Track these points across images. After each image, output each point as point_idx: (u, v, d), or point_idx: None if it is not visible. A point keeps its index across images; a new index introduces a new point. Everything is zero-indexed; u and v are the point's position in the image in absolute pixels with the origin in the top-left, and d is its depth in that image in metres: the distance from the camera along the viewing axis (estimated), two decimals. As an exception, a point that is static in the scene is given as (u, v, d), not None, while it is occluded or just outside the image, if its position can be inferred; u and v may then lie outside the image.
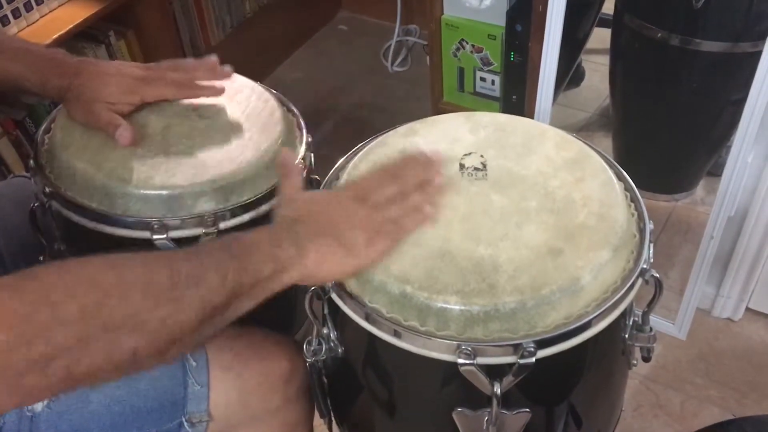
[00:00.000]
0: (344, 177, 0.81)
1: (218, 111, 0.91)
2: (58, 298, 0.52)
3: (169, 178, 0.82)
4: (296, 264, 0.64)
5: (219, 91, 0.90)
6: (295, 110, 0.96)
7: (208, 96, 0.90)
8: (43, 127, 0.91)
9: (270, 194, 0.85)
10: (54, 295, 0.52)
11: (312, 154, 0.93)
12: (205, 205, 0.82)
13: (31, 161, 0.87)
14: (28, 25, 1.51)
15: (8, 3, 1.46)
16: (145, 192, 0.81)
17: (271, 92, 0.96)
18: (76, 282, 0.54)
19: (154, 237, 0.80)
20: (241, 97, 0.94)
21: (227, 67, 0.92)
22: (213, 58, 0.92)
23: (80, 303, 0.52)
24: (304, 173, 0.89)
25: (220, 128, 0.89)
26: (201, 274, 0.58)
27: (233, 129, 0.89)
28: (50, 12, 1.54)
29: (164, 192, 0.81)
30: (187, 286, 0.57)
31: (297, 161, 0.84)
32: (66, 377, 0.52)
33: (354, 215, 0.68)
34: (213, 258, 0.61)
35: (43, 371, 0.50)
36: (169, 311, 0.56)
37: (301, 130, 0.94)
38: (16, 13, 1.48)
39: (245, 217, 0.84)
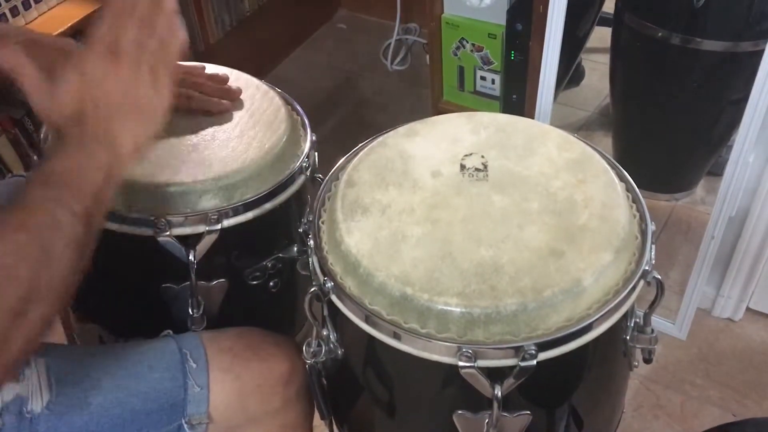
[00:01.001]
0: (344, 177, 0.80)
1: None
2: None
3: (173, 176, 0.82)
4: (117, 155, 0.64)
5: (227, 107, 0.91)
6: (300, 109, 0.95)
7: (216, 111, 0.90)
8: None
9: (273, 192, 0.85)
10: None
11: (316, 153, 0.92)
12: (209, 203, 0.82)
13: (35, 157, 0.87)
14: (26, 23, 1.50)
15: (6, 1, 1.45)
16: (148, 189, 0.81)
17: (275, 91, 0.96)
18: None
19: (158, 234, 0.80)
20: (246, 95, 0.94)
21: (237, 87, 0.94)
22: (224, 75, 0.94)
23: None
24: (302, 179, 0.89)
25: (225, 126, 0.89)
26: (53, 220, 0.59)
27: (238, 127, 0.89)
28: (48, 10, 1.54)
29: (168, 189, 0.81)
30: (50, 242, 0.58)
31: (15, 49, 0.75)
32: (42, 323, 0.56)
33: (122, 74, 0.65)
34: (50, 198, 0.60)
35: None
36: (51, 272, 0.58)
37: (305, 128, 0.93)
38: (14, 12, 1.47)
39: (248, 214, 0.84)
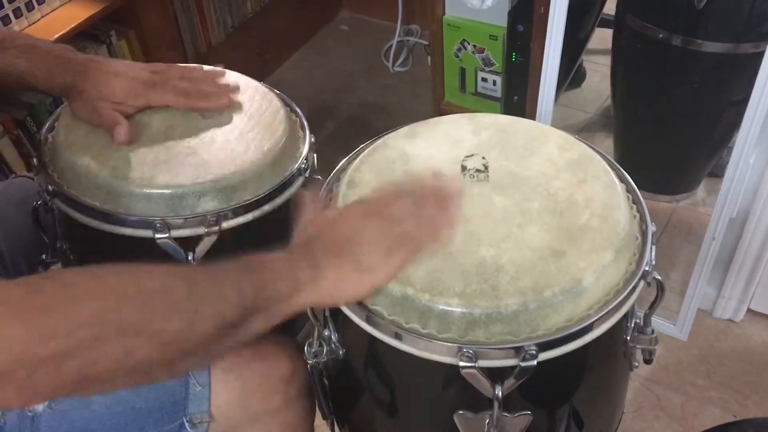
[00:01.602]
0: (345, 178, 0.80)
1: (222, 111, 0.91)
2: (76, 299, 0.52)
3: (172, 178, 0.82)
4: (313, 285, 0.64)
5: (225, 105, 0.91)
6: (299, 111, 0.96)
7: (214, 108, 0.90)
8: (47, 125, 0.91)
9: (272, 194, 0.85)
10: (72, 295, 0.52)
11: (315, 155, 0.92)
12: (208, 205, 0.82)
13: (35, 159, 0.87)
14: (29, 25, 1.50)
15: (9, 2, 1.46)
16: (147, 191, 0.81)
17: (274, 92, 0.96)
18: (94, 285, 0.54)
19: (157, 236, 0.80)
20: (245, 97, 0.94)
21: (232, 82, 0.93)
22: (220, 70, 0.94)
23: (97, 305, 0.52)
24: (301, 180, 0.89)
25: (224, 128, 0.89)
26: (218, 289, 0.58)
27: (237, 129, 0.89)
28: (52, 11, 1.54)
29: (167, 191, 0.81)
30: (204, 301, 0.57)
31: (320, 195, 0.81)
32: (77, 378, 0.51)
33: (368, 230, 0.67)
34: (231, 274, 0.60)
35: (56, 370, 0.50)
36: (184, 323, 0.55)
37: (304, 130, 0.94)
38: (17, 13, 1.48)
39: (248, 216, 0.84)
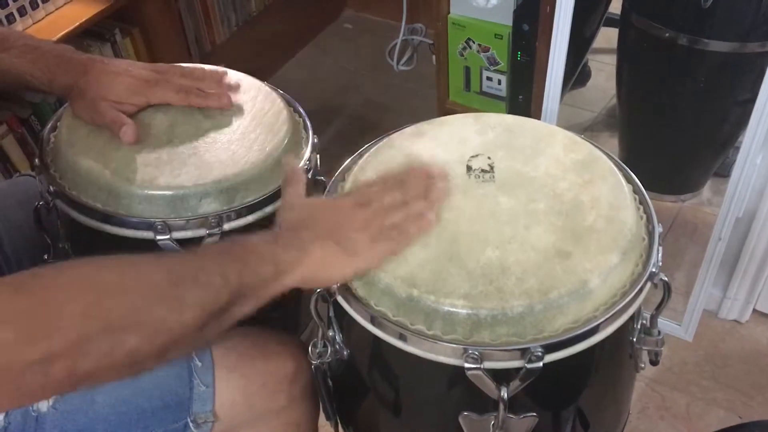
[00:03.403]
0: (350, 178, 0.80)
1: (224, 111, 0.91)
2: (61, 298, 0.52)
3: (173, 179, 0.82)
4: (297, 266, 0.64)
5: (225, 104, 0.91)
6: (302, 111, 0.95)
7: (214, 106, 0.90)
8: (49, 126, 0.91)
9: (274, 195, 0.85)
10: (56, 294, 0.52)
11: (318, 156, 0.92)
12: (210, 206, 0.82)
13: (36, 159, 0.87)
14: (33, 23, 1.50)
15: (14, 1, 1.46)
16: (149, 192, 0.81)
17: (277, 92, 0.96)
18: (77, 282, 0.54)
19: (158, 237, 0.80)
20: (248, 97, 0.94)
21: (233, 80, 0.93)
22: (222, 71, 0.93)
23: (81, 303, 0.52)
24: (308, 178, 0.89)
25: (226, 129, 0.89)
26: (201, 274, 0.58)
27: (239, 130, 0.89)
28: (56, 10, 1.54)
29: (168, 192, 0.81)
30: (187, 286, 0.57)
31: (301, 166, 0.83)
32: (66, 377, 0.51)
33: (356, 219, 0.68)
34: (214, 259, 0.61)
35: (45, 370, 0.50)
36: (168, 311, 0.55)
37: (307, 131, 0.93)
38: (22, 11, 1.48)
39: (249, 218, 0.84)
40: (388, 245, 0.68)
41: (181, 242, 0.81)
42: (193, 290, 0.57)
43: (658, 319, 0.77)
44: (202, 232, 0.81)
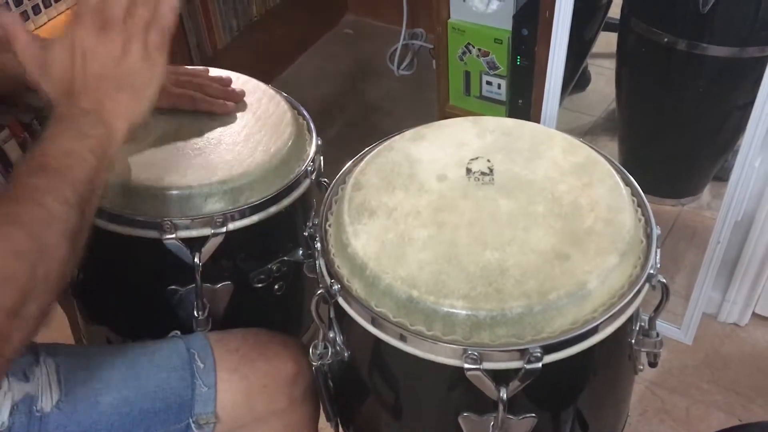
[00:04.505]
0: (351, 180, 0.81)
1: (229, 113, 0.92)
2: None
3: (179, 179, 0.83)
4: (111, 136, 0.64)
5: (230, 109, 0.92)
6: (306, 113, 0.96)
7: (218, 113, 0.91)
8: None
9: (279, 196, 0.86)
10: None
11: (321, 158, 0.93)
12: (215, 206, 0.83)
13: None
14: (36, 28, 1.51)
15: (17, 6, 1.47)
16: (155, 192, 0.82)
17: (282, 95, 0.97)
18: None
19: (164, 237, 0.81)
20: (252, 99, 0.95)
21: (240, 89, 0.94)
22: (227, 77, 0.95)
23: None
24: (307, 182, 0.89)
25: (231, 130, 0.90)
26: (47, 214, 0.59)
27: (244, 131, 0.90)
28: (59, 15, 1.55)
29: (174, 192, 0.82)
30: (43, 236, 0.58)
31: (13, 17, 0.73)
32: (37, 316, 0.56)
33: (111, 49, 0.65)
34: (41, 188, 0.60)
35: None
36: (46, 263, 0.58)
37: (311, 133, 0.94)
38: (25, 16, 1.49)
39: (254, 218, 0.84)
40: (159, 47, 0.66)
41: (187, 241, 0.82)
42: (49, 234, 0.58)
43: (658, 323, 0.78)
44: (207, 231, 0.82)
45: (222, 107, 0.91)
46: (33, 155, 0.62)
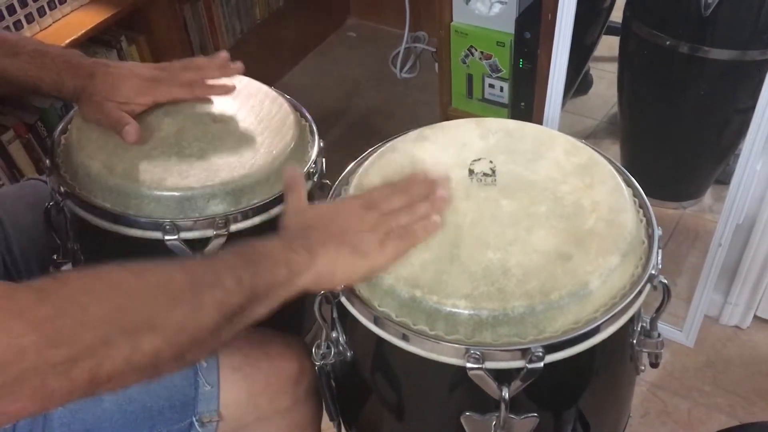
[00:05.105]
0: (354, 181, 0.81)
1: (232, 115, 0.93)
2: (83, 302, 0.52)
3: (181, 180, 0.83)
4: (309, 268, 0.65)
5: (230, 89, 0.92)
6: (308, 116, 0.97)
7: (219, 94, 0.92)
8: (60, 128, 0.93)
9: (281, 198, 0.86)
10: (79, 298, 0.53)
11: (324, 160, 0.93)
12: (217, 207, 0.83)
13: (47, 161, 0.89)
14: (41, 30, 1.52)
15: (22, 8, 1.47)
16: (157, 193, 0.82)
17: (284, 97, 0.97)
18: (99, 286, 0.55)
19: (166, 238, 0.81)
20: (255, 101, 0.95)
21: (238, 63, 0.94)
22: (223, 54, 0.94)
23: (103, 306, 0.53)
24: (312, 182, 0.90)
25: (233, 132, 0.90)
26: (217, 277, 0.60)
27: (246, 133, 0.90)
28: (63, 17, 1.56)
29: (176, 193, 0.82)
30: (204, 289, 0.58)
31: (302, 172, 0.84)
32: (89, 380, 0.52)
33: (363, 221, 0.69)
34: (229, 262, 0.62)
35: (67, 374, 0.51)
36: (187, 313, 0.57)
37: (313, 135, 0.95)
38: (29, 18, 1.49)
39: (256, 219, 0.85)
40: (396, 246, 0.69)
41: (189, 242, 0.82)
42: (210, 293, 0.58)
43: (660, 325, 0.78)
44: (209, 232, 0.82)
45: (221, 89, 0.92)
46: (243, 245, 0.65)
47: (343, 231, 0.68)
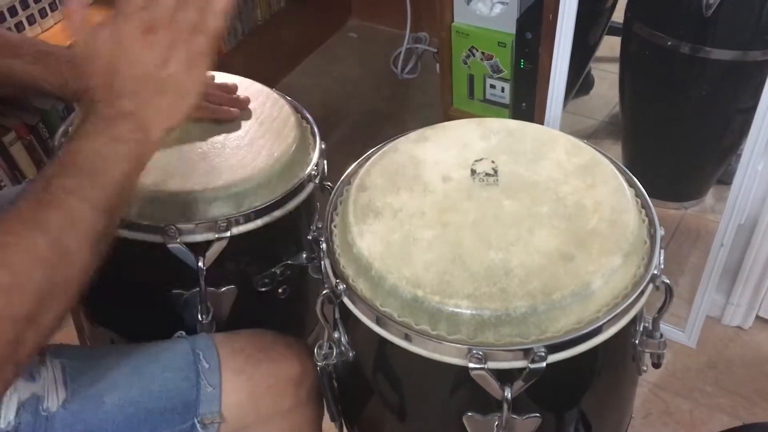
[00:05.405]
0: (356, 181, 0.81)
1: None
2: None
3: (183, 183, 0.83)
4: (144, 137, 0.63)
5: (234, 116, 0.92)
6: (309, 117, 0.97)
7: (223, 118, 0.92)
8: (61, 130, 0.92)
9: (282, 200, 0.86)
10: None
11: (325, 162, 0.93)
12: (219, 210, 0.83)
13: (48, 162, 0.88)
14: (42, 32, 1.52)
15: (23, 9, 1.48)
16: (159, 196, 0.82)
17: (285, 99, 0.97)
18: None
19: (168, 241, 0.81)
20: (256, 103, 0.95)
21: (242, 92, 0.94)
22: (233, 84, 0.95)
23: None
24: (311, 186, 0.89)
25: (235, 135, 0.90)
26: (70, 218, 0.58)
27: (247, 135, 0.90)
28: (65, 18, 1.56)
29: (178, 197, 0.82)
30: (64, 239, 0.57)
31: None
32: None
33: (158, 51, 0.64)
34: (68, 187, 0.59)
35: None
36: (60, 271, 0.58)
37: (314, 137, 0.94)
38: (31, 20, 1.50)
39: (258, 222, 0.85)
40: (200, 62, 0.65)
41: (191, 245, 0.82)
42: (70, 237, 0.58)
43: (662, 325, 0.78)
44: (211, 235, 0.82)
45: (226, 114, 0.92)
46: (64, 153, 0.61)
47: (147, 80, 0.63)
